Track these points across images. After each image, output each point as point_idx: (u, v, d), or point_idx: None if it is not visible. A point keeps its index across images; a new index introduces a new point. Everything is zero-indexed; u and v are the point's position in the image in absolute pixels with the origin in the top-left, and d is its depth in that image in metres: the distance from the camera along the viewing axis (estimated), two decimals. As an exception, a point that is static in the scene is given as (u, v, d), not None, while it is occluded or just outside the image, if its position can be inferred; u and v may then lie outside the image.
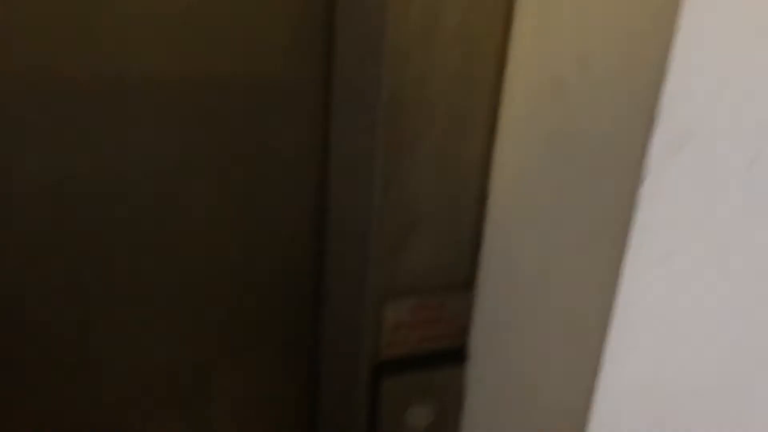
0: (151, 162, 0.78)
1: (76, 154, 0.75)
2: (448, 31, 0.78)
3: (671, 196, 0.59)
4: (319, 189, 0.85)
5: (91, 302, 0.81)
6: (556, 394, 0.76)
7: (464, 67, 0.80)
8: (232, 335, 0.89)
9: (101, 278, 0.80)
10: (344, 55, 0.77)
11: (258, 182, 0.84)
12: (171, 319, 0.86)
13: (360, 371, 0.84)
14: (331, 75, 0.80)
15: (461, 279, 0.88)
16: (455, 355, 0.90)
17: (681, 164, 0.58)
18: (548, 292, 0.76)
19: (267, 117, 0.82)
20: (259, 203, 0.86)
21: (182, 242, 0.83)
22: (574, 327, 0.73)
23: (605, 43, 0.64)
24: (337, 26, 0.77)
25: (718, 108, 0.58)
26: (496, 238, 0.84)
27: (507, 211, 0.81)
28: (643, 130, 0.56)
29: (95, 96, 0.74)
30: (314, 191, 0.86)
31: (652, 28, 0.57)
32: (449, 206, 0.83)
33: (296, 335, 0.92)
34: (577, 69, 0.68)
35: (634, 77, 0.60)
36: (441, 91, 0.80)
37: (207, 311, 0.87)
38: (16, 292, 0.77)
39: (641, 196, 0.58)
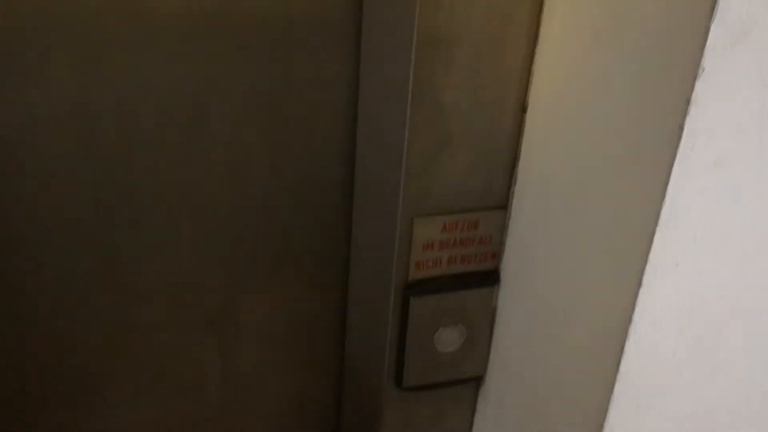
0: (183, 93, 0.77)
1: (110, 85, 0.74)
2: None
3: (726, 95, 0.55)
4: (351, 109, 0.83)
5: (121, 228, 0.80)
6: (592, 317, 0.74)
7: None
8: (261, 259, 0.88)
9: (132, 199, 0.79)
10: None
11: (289, 104, 0.82)
12: (200, 243, 0.85)
13: (390, 291, 0.83)
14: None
15: (495, 198, 0.85)
16: (487, 277, 0.88)
17: (738, 60, 0.54)
18: (587, 212, 0.73)
19: (300, 41, 0.79)
20: (289, 125, 0.83)
21: (211, 168, 0.81)
22: (613, 247, 0.70)
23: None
24: None
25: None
26: (533, 154, 0.80)
27: (546, 125, 0.77)
28: (701, 22, 0.52)
29: (129, 27, 0.72)
30: (345, 112, 0.84)
31: None
32: (485, 119, 0.80)
33: (325, 258, 0.91)
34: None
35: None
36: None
37: (236, 235, 0.86)
38: (46, 216, 0.76)
39: (695, 96, 0.54)
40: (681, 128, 0.56)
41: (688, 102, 0.55)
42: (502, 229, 0.86)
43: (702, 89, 0.54)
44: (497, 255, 0.88)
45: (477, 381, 0.96)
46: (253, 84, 0.80)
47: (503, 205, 0.86)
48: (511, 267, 0.87)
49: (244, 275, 0.88)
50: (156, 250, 0.83)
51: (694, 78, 0.54)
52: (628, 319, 0.68)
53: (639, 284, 0.66)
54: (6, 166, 0.72)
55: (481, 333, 0.91)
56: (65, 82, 0.71)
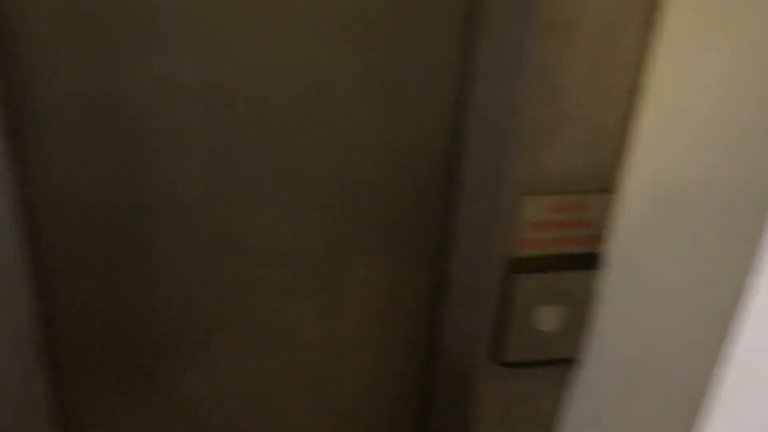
0: (303, 70, 0.80)
1: (239, 61, 0.78)
2: None
3: None
4: (460, 87, 0.84)
5: (238, 195, 0.85)
6: (700, 304, 0.73)
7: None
8: (365, 231, 0.91)
9: (250, 167, 0.84)
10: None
11: (399, 82, 0.84)
12: (309, 213, 0.89)
13: (493, 266, 0.84)
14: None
15: (603, 181, 0.85)
16: (590, 259, 0.89)
17: None
18: (701, 201, 0.72)
19: (412, 20, 0.82)
20: (399, 102, 0.86)
21: (325, 142, 0.85)
22: (726, 234, 0.69)
23: None
24: None
25: None
26: (645, 139, 0.80)
27: (661, 110, 0.77)
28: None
29: (259, 6, 0.76)
30: (454, 90, 0.86)
31: None
32: (600, 102, 0.80)
33: (427, 233, 0.93)
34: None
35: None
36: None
37: (343, 207, 0.89)
38: (173, 181, 0.81)
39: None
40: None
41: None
42: (609, 212, 0.87)
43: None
44: (602, 238, 0.88)
45: (573, 362, 0.97)
46: (367, 62, 0.83)
47: (611, 189, 0.86)
48: (616, 251, 0.87)
49: (349, 246, 0.92)
50: (268, 217, 0.87)
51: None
52: (737, 306, 0.68)
53: (751, 271, 0.66)
54: (140, 131, 0.78)
55: (581, 315, 0.91)
56: (199, 56, 0.76)
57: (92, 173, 0.79)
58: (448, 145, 0.89)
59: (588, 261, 0.88)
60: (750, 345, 0.70)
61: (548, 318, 0.89)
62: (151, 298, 0.88)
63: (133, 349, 0.91)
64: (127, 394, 0.92)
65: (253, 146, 0.84)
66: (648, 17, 0.77)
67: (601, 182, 0.85)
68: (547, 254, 0.87)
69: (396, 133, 0.87)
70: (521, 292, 0.87)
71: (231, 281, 0.90)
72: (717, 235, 0.71)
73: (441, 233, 0.93)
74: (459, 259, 0.90)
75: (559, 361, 0.95)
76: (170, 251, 0.86)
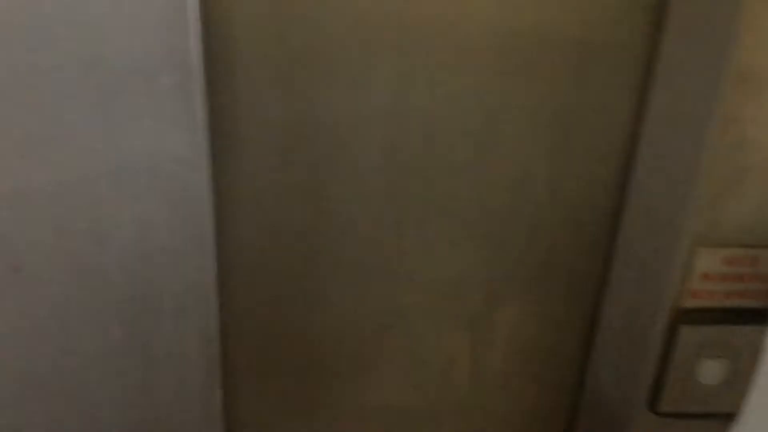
0: (477, 106, 0.83)
1: (419, 94, 0.82)
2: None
3: None
4: (632, 133, 0.85)
5: (403, 225, 0.88)
6: None
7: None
8: (523, 267, 0.93)
9: (419, 198, 0.87)
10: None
11: (571, 124, 0.86)
12: (469, 245, 0.91)
13: (659, 316, 0.84)
14: (666, 13, 0.78)
15: (780, 237, 0.83)
16: (760, 314, 0.86)
17: None
18: None
19: (590, 64, 0.83)
20: (569, 142, 0.87)
21: (492, 177, 0.87)
22: None
23: None
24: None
25: None
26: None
27: None
28: None
29: (440, 42, 0.80)
30: (626, 136, 0.86)
31: None
32: (786, 156, 0.78)
33: (585, 274, 0.93)
34: None
35: None
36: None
37: (503, 241, 0.91)
38: (345, 207, 0.86)
39: None
40: None
41: None
42: (784, 268, 0.84)
43: None
44: (773, 294, 0.86)
45: (733, 417, 0.94)
46: (540, 102, 0.84)
47: (789, 244, 0.84)
48: (787, 308, 0.85)
49: (505, 280, 0.93)
50: (429, 247, 0.90)
51: None
52: None
53: None
54: (321, 157, 0.83)
55: (744, 370, 0.89)
56: (383, 89, 0.80)
57: (276, 194, 0.84)
58: (616, 189, 0.90)
59: (757, 316, 0.86)
60: None
61: (711, 371, 0.88)
62: (316, 319, 0.93)
63: (295, 367, 0.96)
64: (287, 410, 0.98)
65: (423, 179, 0.87)
66: None
67: (777, 237, 0.83)
68: (715, 306, 0.85)
69: (563, 173, 0.88)
70: (685, 342, 0.85)
71: (391, 309, 0.94)
72: None
73: (602, 275, 0.93)
74: (620, 303, 0.90)
75: (718, 416, 0.92)
76: (337, 275, 0.91)
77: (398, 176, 0.85)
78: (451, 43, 0.79)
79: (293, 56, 0.76)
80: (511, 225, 0.90)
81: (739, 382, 0.90)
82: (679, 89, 0.79)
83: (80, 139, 0.70)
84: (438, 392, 1.01)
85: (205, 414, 0.89)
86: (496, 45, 0.80)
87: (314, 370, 0.97)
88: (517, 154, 0.86)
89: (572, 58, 0.82)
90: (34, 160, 0.70)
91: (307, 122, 0.80)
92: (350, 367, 0.97)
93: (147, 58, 0.67)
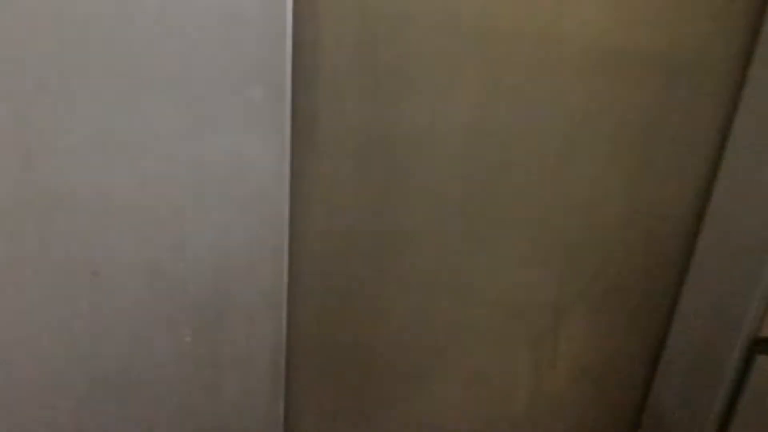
0: (560, 121, 0.82)
1: (501, 107, 0.81)
2: None
3: None
4: (713, 159, 0.83)
5: (471, 241, 0.88)
6: None
7: None
8: (591, 289, 0.92)
9: (489, 216, 0.86)
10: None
11: (650, 149, 0.84)
12: (538, 265, 0.90)
13: (735, 344, 0.82)
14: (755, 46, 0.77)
15: None
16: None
17: None
18: None
19: (671, 87, 0.82)
20: (651, 164, 0.86)
21: (568, 196, 0.86)
22: None
23: None
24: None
25: None
26: None
27: None
28: None
29: (529, 55, 0.79)
30: (707, 160, 0.85)
31: None
32: None
33: (654, 300, 0.92)
34: None
35: None
36: None
37: (573, 262, 0.90)
38: (421, 218, 0.85)
39: None
40: None
41: None
42: None
43: None
44: None
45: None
46: (620, 123, 0.83)
47: None
48: None
49: (572, 301, 0.92)
50: (497, 265, 0.89)
51: None
52: None
53: None
54: (398, 170, 0.82)
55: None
56: (462, 104, 0.80)
57: (348, 204, 0.84)
58: (693, 215, 0.88)
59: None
60: None
61: (784, 402, 0.86)
62: (379, 331, 0.93)
63: (354, 378, 0.96)
64: (344, 420, 0.97)
65: (496, 196, 0.86)
66: None
67: None
68: (794, 337, 0.84)
69: (640, 197, 0.87)
70: (762, 372, 0.84)
71: (454, 325, 0.93)
72: None
73: (673, 300, 0.92)
74: (691, 329, 0.88)
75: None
76: (403, 288, 0.90)
77: (471, 191, 0.85)
78: (533, 61, 0.79)
79: (377, 71, 0.76)
80: (581, 245, 0.89)
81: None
82: (764, 116, 0.77)
83: (166, 147, 0.70)
84: (497, 411, 1.00)
85: (268, 420, 0.89)
86: (578, 64, 0.79)
87: (373, 382, 0.96)
88: (594, 176, 0.85)
89: (657, 80, 0.81)
90: (118, 167, 0.71)
91: (385, 134, 0.80)
92: (409, 381, 0.97)
93: (238, 71, 0.67)
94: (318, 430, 1.00)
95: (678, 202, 0.86)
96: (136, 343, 0.81)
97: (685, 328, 0.90)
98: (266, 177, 0.73)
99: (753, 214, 0.79)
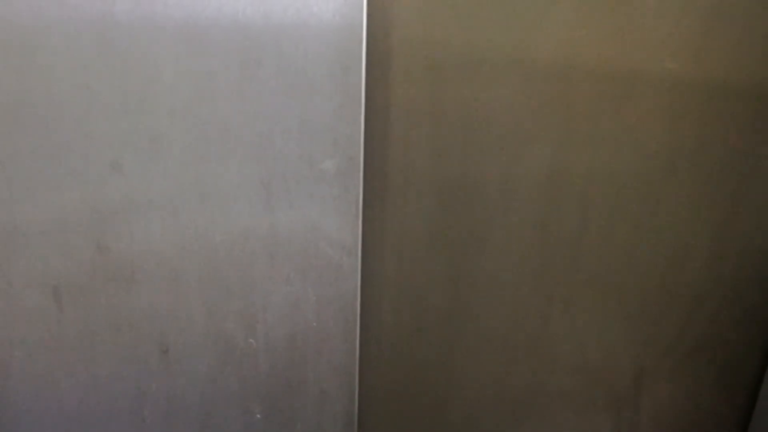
0: (631, 175, 0.79)
1: (578, 150, 0.78)
2: None
3: None
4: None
5: (552, 292, 0.84)
6: None
7: None
8: (675, 347, 0.87)
9: (566, 271, 0.83)
10: None
11: (736, 200, 0.80)
12: (619, 324, 0.86)
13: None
14: None
15: None
16: None
17: None
18: None
19: (761, 133, 0.78)
20: (734, 220, 0.82)
21: (652, 248, 0.82)
22: None
23: None
24: None
25: None
26: None
27: None
28: None
29: (606, 91, 0.76)
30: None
31: None
32: None
33: (745, 356, 0.87)
34: None
35: None
36: None
37: (656, 320, 0.86)
38: (489, 273, 0.82)
39: None
40: None
41: None
42: None
43: None
44: None
45: None
46: (706, 174, 0.79)
47: None
48: None
49: (656, 361, 0.87)
50: (576, 326, 0.86)
51: None
52: None
53: None
54: (470, 234, 0.80)
55: None
56: (538, 158, 0.77)
57: (419, 276, 0.82)
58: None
59: None
60: None
61: None
62: (454, 399, 0.89)
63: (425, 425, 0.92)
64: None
65: (575, 253, 0.83)
66: None
67: None
68: None
69: (726, 251, 0.83)
70: None
71: (531, 389, 0.89)
72: None
73: (764, 359, 0.87)
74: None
75: None
76: (479, 354, 0.87)
77: (548, 250, 0.82)
78: (611, 110, 0.76)
79: (448, 127, 0.74)
80: (666, 304, 0.85)
81: None
82: None
83: (241, 221, 0.69)
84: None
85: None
86: (659, 101, 0.76)
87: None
88: (677, 229, 0.81)
89: (743, 115, 0.77)
90: (189, 241, 0.70)
91: (456, 196, 0.77)
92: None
93: (313, 144, 0.65)
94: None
95: (766, 254, 0.82)
96: (207, 421, 0.79)
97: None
98: (339, 252, 0.71)
99: None
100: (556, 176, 0.78)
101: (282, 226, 0.69)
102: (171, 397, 0.77)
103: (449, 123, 0.74)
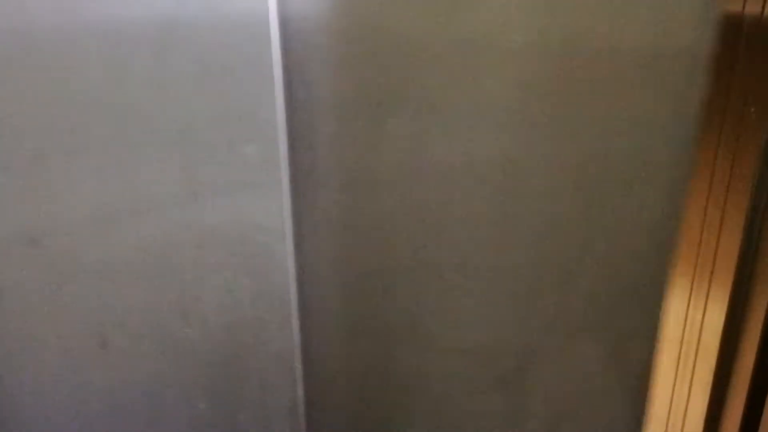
0: (491, 150, 0.78)
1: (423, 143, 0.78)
2: None
3: None
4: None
5: (440, 280, 0.83)
6: None
7: None
8: (559, 328, 0.86)
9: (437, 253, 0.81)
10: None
11: (611, 171, 0.79)
12: (502, 306, 0.84)
13: None
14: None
15: None
16: None
17: None
18: None
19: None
20: (609, 189, 0.80)
21: (519, 220, 0.80)
22: None
23: None
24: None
25: None
26: None
27: None
28: None
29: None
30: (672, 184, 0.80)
31: None
32: None
33: (628, 333, 0.86)
34: None
35: None
36: None
37: (537, 298, 0.84)
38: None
39: None
40: None
41: None
42: None
43: None
44: None
45: None
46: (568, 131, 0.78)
47: None
48: None
49: (540, 342, 0.86)
50: (461, 307, 0.84)
51: None
52: None
53: None
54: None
55: None
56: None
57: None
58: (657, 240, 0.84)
59: None
60: None
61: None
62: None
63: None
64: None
65: (443, 236, 0.81)
66: None
67: None
68: None
69: (596, 225, 0.81)
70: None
71: (419, 372, 0.88)
72: None
73: (644, 335, 0.86)
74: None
75: None
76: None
77: (418, 235, 0.79)
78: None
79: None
80: (540, 283, 0.82)
81: None
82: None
83: (165, 209, 0.70)
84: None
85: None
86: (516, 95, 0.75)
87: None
88: (544, 203, 0.79)
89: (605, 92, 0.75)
90: (120, 233, 0.70)
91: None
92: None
93: (234, 130, 0.66)
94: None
95: (645, 228, 0.81)
96: (151, 414, 0.79)
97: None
98: (267, 236, 0.71)
99: None
100: (418, 160, 0.76)
101: (208, 214, 0.70)
102: (114, 391, 0.77)
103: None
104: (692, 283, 0.97)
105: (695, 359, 0.96)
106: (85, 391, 0.76)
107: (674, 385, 1.03)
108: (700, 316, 0.95)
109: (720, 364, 0.93)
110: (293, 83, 0.69)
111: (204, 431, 0.81)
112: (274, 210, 0.70)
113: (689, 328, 0.98)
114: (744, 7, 0.96)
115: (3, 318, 0.71)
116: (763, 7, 0.95)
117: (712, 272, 0.93)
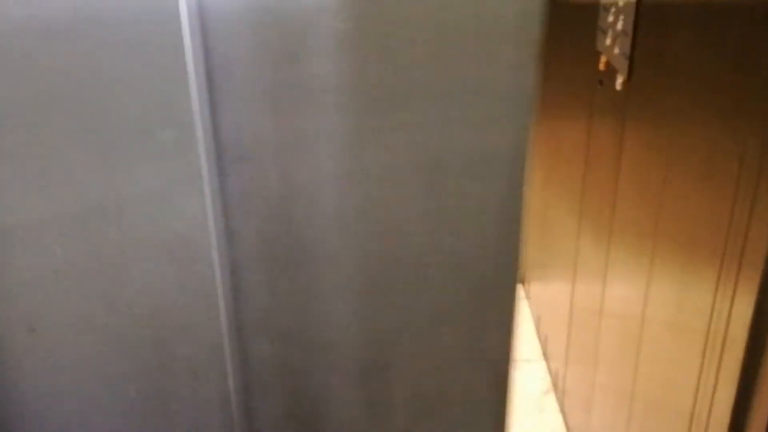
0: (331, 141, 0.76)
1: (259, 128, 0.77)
2: None
3: None
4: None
5: (281, 272, 0.81)
6: None
7: None
8: (415, 318, 0.83)
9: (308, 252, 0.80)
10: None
11: (451, 155, 0.75)
12: (355, 296, 0.82)
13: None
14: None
15: None
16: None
17: None
18: None
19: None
20: (451, 176, 0.77)
21: (385, 222, 0.78)
22: None
23: None
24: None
25: None
26: None
27: None
28: None
29: None
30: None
31: None
32: None
33: (486, 321, 0.83)
34: None
35: None
36: None
37: (394, 292, 0.82)
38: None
39: None
40: None
41: None
42: None
43: None
44: None
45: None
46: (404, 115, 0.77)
47: None
48: None
49: (397, 333, 0.83)
50: (312, 298, 0.81)
51: None
52: None
53: None
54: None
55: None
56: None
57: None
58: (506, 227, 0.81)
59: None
60: None
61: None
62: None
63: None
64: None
65: (292, 229, 0.81)
66: None
67: None
68: None
69: (441, 216, 0.78)
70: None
71: (276, 365, 0.85)
72: None
73: (500, 323, 0.83)
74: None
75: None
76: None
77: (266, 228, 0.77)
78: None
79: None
80: (391, 276, 0.80)
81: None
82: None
83: (88, 197, 0.70)
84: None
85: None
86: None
87: None
88: (390, 193, 0.76)
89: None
90: (46, 221, 0.71)
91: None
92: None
93: (150, 116, 0.66)
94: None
95: (492, 215, 0.78)
96: (81, 398, 0.79)
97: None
98: (188, 223, 0.71)
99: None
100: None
101: (131, 204, 0.70)
102: (43, 375, 0.77)
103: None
104: (719, 273, 0.94)
105: (722, 351, 0.94)
106: (15, 373, 0.77)
107: (699, 377, 1.00)
108: (727, 307, 0.92)
109: (748, 356, 0.90)
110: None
111: (136, 419, 0.82)
112: (193, 198, 0.70)
113: (716, 319, 0.95)
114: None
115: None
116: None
117: (740, 262, 0.90)
